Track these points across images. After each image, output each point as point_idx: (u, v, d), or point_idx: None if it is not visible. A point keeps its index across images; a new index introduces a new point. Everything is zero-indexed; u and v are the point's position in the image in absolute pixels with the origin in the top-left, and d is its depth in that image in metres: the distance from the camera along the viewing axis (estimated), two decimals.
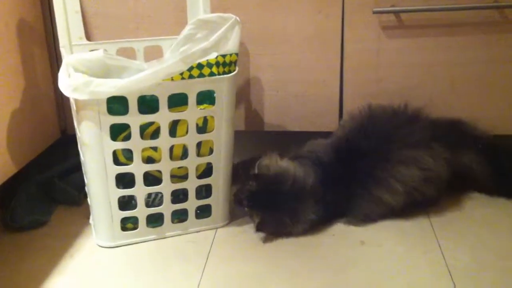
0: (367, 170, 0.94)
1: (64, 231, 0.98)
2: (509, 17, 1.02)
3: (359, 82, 1.08)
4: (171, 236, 0.97)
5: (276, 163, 0.94)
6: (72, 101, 0.90)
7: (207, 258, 0.90)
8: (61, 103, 1.15)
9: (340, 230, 0.96)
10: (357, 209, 0.96)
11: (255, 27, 1.06)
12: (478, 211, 1.00)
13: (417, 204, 0.97)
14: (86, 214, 1.01)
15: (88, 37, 1.05)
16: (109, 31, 1.06)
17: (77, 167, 1.09)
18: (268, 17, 1.05)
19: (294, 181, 0.91)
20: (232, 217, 1.01)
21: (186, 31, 0.95)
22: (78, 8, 0.93)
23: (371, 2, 1.02)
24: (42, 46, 1.09)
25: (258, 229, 0.93)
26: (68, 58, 0.87)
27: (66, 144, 1.16)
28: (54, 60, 1.12)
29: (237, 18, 0.91)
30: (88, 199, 0.99)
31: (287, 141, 1.04)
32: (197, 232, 0.98)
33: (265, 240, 0.94)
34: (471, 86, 1.06)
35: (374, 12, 1.01)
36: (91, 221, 1.00)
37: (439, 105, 1.07)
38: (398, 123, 0.98)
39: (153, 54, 1.02)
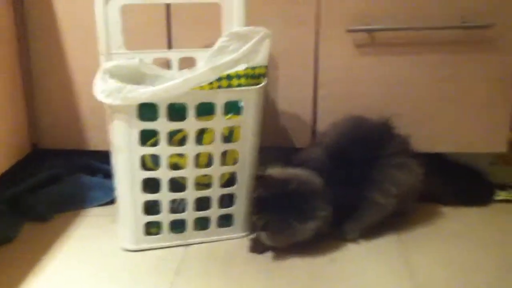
0: (362, 174, 0.94)
1: (32, 248, 0.97)
2: (476, 37, 1.03)
3: (332, 98, 1.09)
4: (194, 244, 0.98)
5: (281, 171, 0.94)
6: (106, 106, 0.94)
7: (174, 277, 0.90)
8: (33, 115, 1.16)
9: (310, 247, 0.94)
10: (356, 214, 0.96)
11: None
12: (446, 226, 1.00)
13: (396, 215, 0.98)
14: (55, 230, 1.03)
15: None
16: None
17: (48, 182, 1.11)
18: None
19: (301, 182, 0.90)
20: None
21: (219, 43, 0.97)
22: (119, 19, 0.97)
23: (346, 20, 1.04)
24: (11, 54, 1.09)
25: (264, 228, 0.91)
26: (105, 65, 0.92)
27: (38, 159, 1.17)
28: (26, 70, 1.13)
29: (268, 31, 0.93)
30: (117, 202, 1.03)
31: (260, 157, 1.02)
32: (219, 241, 0.99)
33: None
34: (440, 104, 1.08)
35: (348, 31, 1.03)
36: (118, 223, 1.03)
37: (411, 122, 1.08)
38: (381, 133, 0.99)
39: (188, 65, 1.05)
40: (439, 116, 1.09)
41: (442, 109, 1.09)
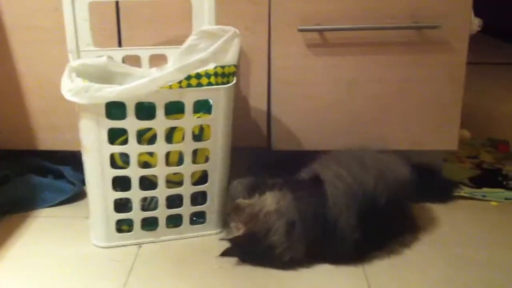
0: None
1: None
2: (427, 37, 1.05)
3: (286, 98, 1.10)
4: (165, 241, 0.99)
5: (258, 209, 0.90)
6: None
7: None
8: None
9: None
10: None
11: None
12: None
13: None
14: (4, 232, 1.01)
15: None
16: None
17: None
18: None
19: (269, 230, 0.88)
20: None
21: (189, 41, 0.97)
22: (87, 17, 0.97)
23: (297, 20, 1.04)
24: None
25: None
26: (72, 63, 0.91)
27: None
28: None
29: (237, 30, 0.93)
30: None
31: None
32: (191, 238, 1.00)
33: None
34: (394, 103, 1.10)
35: (299, 30, 1.04)
36: (89, 221, 1.03)
37: (364, 121, 1.10)
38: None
39: (159, 62, 1.05)
40: (392, 115, 1.10)
41: (394, 107, 1.10)
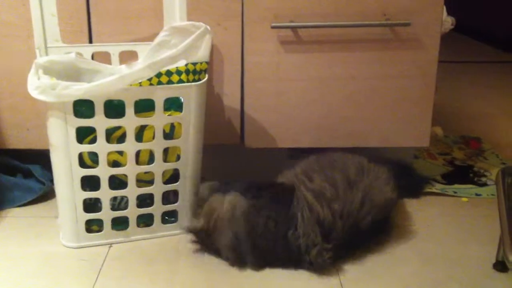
0: None
1: None
2: (399, 34, 1.06)
3: (260, 95, 1.09)
4: (137, 240, 0.98)
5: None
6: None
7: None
8: None
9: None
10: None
11: None
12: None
13: None
14: None
15: None
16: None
17: None
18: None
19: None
20: None
21: (160, 37, 0.96)
22: (55, 12, 0.94)
23: (270, 16, 1.04)
24: None
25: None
26: (38, 60, 0.89)
27: None
28: None
29: (208, 27, 0.92)
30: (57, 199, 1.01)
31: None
32: (163, 237, 0.99)
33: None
34: (366, 100, 1.10)
35: (272, 27, 1.03)
36: (58, 221, 1.01)
37: (337, 118, 1.10)
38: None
39: (129, 59, 1.03)
40: (363, 112, 1.11)
41: (365, 104, 1.10)
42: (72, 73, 0.92)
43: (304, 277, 0.88)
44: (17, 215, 1.07)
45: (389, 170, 1.01)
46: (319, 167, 0.99)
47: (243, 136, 1.12)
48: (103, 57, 1.02)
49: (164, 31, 0.95)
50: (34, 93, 0.85)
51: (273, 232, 0.88)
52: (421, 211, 1.09)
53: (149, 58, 0.96)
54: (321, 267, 0.88)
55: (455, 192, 1.16)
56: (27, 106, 1.09)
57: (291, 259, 0.89)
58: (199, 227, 0.92)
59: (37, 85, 0.84)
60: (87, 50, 1.00)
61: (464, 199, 1.14)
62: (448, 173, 1.25)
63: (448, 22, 1.22)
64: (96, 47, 1.02)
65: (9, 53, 1.06)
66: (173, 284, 0.86)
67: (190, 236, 0.95)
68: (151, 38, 1.00)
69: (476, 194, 1.15)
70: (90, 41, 1.05)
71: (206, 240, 0.92)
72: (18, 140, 1.13)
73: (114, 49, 1.02)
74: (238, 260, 0.89)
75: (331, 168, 0.98)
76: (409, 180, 1.16)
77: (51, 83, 0.83)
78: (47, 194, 1.12)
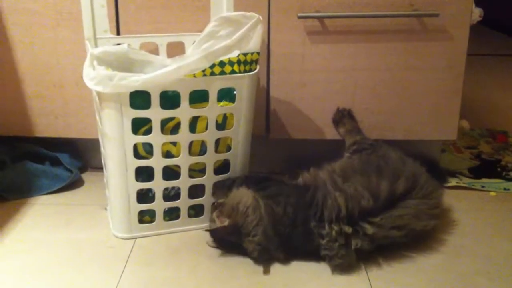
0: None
1: None
2: (427, 25, 1.04)
3: (284, 85, 1.09)
4: (189, 230, 0.98)
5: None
6: (94, 94, 0.91)
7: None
8: None
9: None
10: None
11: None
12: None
13: None
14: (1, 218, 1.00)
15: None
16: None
17: None
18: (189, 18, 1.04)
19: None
20: None
21: (209, 28, 0.96)
22: (104, 2, 0.94)
23: (297, 7, 1.03)
24: None
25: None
26: (93, 51, 0.88)
27: None
28: None
29: (260, 17, 0.92)
30: (107, 191, 1.01)
31: None
32: None
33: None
34: (391, 92, 1.09)
35: (299, 17, 1.02)
36: (108, 212, 1.02)
37: (361, 110, 1.09)
38: None
39: (176, 49, 1.03)
40: (389, 104, 1.09)
41: (392, 96, 1.09)
42: (124, 64, 0.92)
43: (327, 273, 0.86)
44: (45, 203, 1.08)
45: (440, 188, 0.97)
46: (364, 169, 0.92)
47: (268, 127, 1.12)
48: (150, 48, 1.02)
49: (214, 21, 0.95)
50: (90, 83, 0.85)
51: (292, 218, 0.87)
52: (448, 205, 1.07)
53: (197, 48, 0.96)
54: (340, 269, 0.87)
55: (482, 186, 1.14)
56: (54, 94, 1.10)
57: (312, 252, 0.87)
58: (227, 224, 0.88)
59: (93, 76, 0.84)
60: (135, 41, 1.00)
61: (492, 193, 1.12)
62: (475, 167, 1.24)
63: (476, 13, 1.20)
64: (144, 38, 1.01)
65: (36, 42, 1.06)
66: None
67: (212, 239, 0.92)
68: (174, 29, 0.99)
69: (504, 189, 1.14)
70: (118, 32, 1.05)
71: (235, 234, 0.88)
72: (46, 128, 1.13)
73: (162, 40, 1.02)
74: (265, 254, 0.87)
75: (378, 173, 0.90)
76: (432, 174, 1.12)
77: (108, 74, 0.83)
78: (74, 182, 1.13)
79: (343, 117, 1.07)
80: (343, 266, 0.86)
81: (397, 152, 0.99)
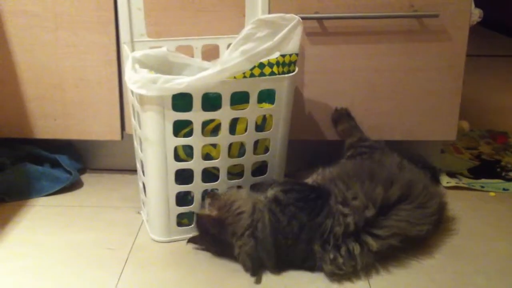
0: None
1: None
2: (427, 26, 1.04)
3: None
4: None
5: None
6: (133, 97, 0.91)
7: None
8: None
9: None
10: None
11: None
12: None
13: None
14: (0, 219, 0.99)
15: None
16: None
17: None
18: (191, 21, 1.04)
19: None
20: None
21: (246, 30, 0.95)
22: (141, 5, 0.94)
23: (296, 7, 1.03)
24: None
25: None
26: (135, 54, 0.89)
27: None
28: None
29: (300, 19, 0.92)
30: (142, 195, 1.01)
31: None
32: None
33: None
34: (391, 93, 1.09)
35: None
36: (143, 216, 1.01)
37: (361, 110, 1.09)
38: None
39: (210, 52, 1.03)
40: (389, 105, 1.09)
41: (392, 97, 1.09)
42: (163, 67, 0.92)
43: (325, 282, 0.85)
44: (45, 204, 1.07)
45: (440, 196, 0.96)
46: (357, 174, 0.90)
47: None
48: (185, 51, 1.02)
49: (251, 23, 0.95)
50: (133, 86, 0.85)
51: (296, 233, 0.85)
52: (447, 205, 1.05)
53: (234, 51, 0.96)
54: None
55: (482, 187, 1.14)
56: (54, 96, 1.09)
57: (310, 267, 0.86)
58: (213, 215, 0.88)
59: (137, 79, 0.84)
60: (172, 44, 1.00)
61: (492, 194, 1.12)
62: (475, 168, 1.24)
63: (476, 14, 1.20)
64: (180, 41, 1.01)
65: (36, 44, 1.06)
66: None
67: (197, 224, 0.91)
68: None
69: (504, 189, 1.14)
70: None
71: (216, 230, 0.88)
72: (45, 130, 1.13)
73: (197, 43, 1.02)
74: (256, 265, 0.85)
75: (371, 178, 0.88)
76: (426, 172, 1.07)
77: (151, 77, 0.83)
78: (74, 184, 1.13)
79: (341, 116, 1.08)
80: (344, 277, 0.85)
81: (395, 158, 0.98)
